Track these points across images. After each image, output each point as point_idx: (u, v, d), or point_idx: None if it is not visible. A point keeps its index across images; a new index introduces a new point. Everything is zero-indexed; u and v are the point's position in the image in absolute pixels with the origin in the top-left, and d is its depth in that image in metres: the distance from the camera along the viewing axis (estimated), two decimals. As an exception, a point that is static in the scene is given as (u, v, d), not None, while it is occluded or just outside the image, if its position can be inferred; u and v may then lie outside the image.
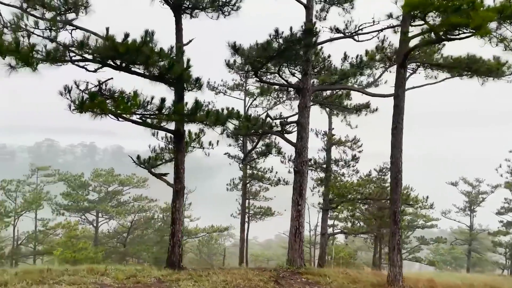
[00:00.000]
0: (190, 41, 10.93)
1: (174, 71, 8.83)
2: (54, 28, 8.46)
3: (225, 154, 24.35)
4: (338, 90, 16.34)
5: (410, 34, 10.31)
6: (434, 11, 7.87)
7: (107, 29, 8.02)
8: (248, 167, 25.89)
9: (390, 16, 10.62)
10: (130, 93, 9.23)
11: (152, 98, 8.93)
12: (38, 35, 8.75)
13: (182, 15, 10.76)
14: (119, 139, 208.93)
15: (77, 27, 9.56)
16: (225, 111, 9.73)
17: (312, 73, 14.45)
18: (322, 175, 26.41)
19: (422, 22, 10.27)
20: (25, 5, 8.83)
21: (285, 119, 14.90)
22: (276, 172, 25.90)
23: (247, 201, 26.58)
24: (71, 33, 9.50)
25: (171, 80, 10.00)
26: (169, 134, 12.45)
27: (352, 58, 15.34)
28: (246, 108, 25.71)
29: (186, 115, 9.04)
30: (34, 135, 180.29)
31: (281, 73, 13.19)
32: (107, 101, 8.24)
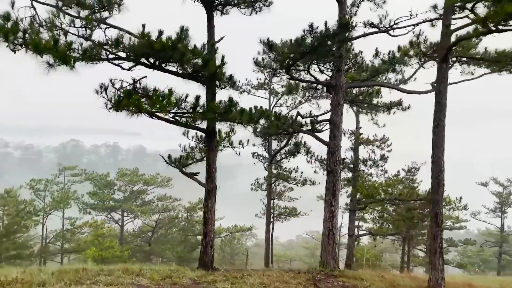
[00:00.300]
0: (222, 38, 10.72)
1: (209, 68, 8.62)
2: (89, 26, 8.40)
3: (254, 153, 24.09)
4: (368, 88, 15.87)
5: (452, 27, 9.83)
6: (483, 1, 7.41)
7: (143, 25, 7.89)
8: (273, 166, 25.59)
9: (434, 7, 10.12)
10: (163, 91, 9.13)
11: (186, 96, 8.77)
12: (73, 34, 8.73)
13: (214, 12, 10.57)
14: (141, 140, 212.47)
15: (111, 26, 9.49)
16: (256, 110, 9.46)
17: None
18: (349, 175, 25.91)
19: (465, 14, 9.79)
20: (60, 4, 8.80)
21: (315, 118, 14.56)
22: (302, 172, 25.52)
23: (271, 201, 26.27)
24: (104, 32, 9.48)
25: (203, 78, 9.84)
26: (199, 133, 12.31)
27: (383, 54, 14.88)
28: (271, 107, 25.41)
29: (220, 113, 8.83)
30: (60, 136, 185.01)
31: (310, 70, 12.87)
32: (142, 100, 8.11)
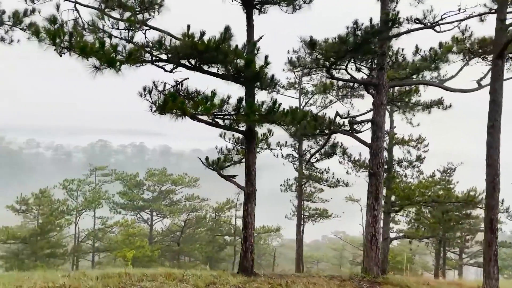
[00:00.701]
0: (261, 37, 10.43)
1: (251, 69, 8.36)
2: (132, 28, 8.28)
3: (289, 155, 23.67)
4: (407, 86, 15.25)
5: (507, 22, 9.22)
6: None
7: (188, 26, 7.69)
8: (304, 167, 25.16)
9: (494, -1, 9.52)
10: (203, 92, 8.93)
11: (229, 97, 8.54)
12: (115, 36, 8.65)
13: (253, 11, 10.30)
14: (167, 140, 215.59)
15: (151, 27, 9.38)
16: (300, 111, 9.13)
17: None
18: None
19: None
20: (102, 6, 8.73)
21: (353, 118, 14.09)
22: (333, 173, 24.98)
23: (302, 202, 25.85)
24: (144, 33, 9.36)
25: (244, 78, 9.60)
26: (237, 135, 12.10)
27: (424, 51, 14.27)
28: (302, 107, 24.99)
29: (263, 114, 8.55)
30: (89, 136, 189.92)
31: (348, 69, 12.42)
32: (186, 102, 7.92)
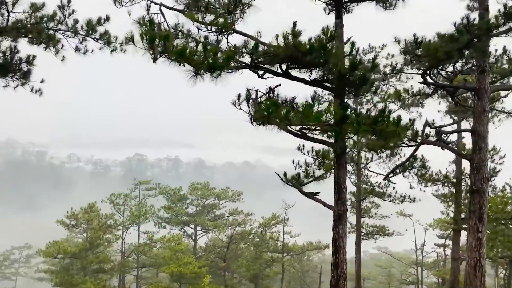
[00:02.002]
0: (349, 39, 9.42)
1: (356, 73, 7.31)
2: (223, 31, 7.48)
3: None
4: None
5: None
6: None
7: (294, 23, 6.76)
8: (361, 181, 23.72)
9: None
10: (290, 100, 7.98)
11: (330, 105, 7.51)
12: (198, 41, 7.88)
13: (343, 10, 9.32)
14: (199, 152, 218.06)
15: (234, 31, 8.58)
16: (411, 120, 7.97)
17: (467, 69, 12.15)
18: (445, 190, 23.40)
19: None
20: (188, 8, 8.01)
21: (439, 128, 12.69)
22: (394, 187, 23.37)
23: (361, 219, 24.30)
24: (227, 37, 8.57)
25: (333, 84, 8.60)
26: (318, 148, 11.05)
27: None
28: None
29: (369, 124, 7.44)
30: (126, 150, 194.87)
31: (442, 72, 11.16)
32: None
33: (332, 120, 7.68)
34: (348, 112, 7.36)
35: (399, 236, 26.32)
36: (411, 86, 14.83)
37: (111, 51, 10.53)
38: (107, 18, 9.85)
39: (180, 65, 6.56)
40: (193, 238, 39.62)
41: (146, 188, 40.18)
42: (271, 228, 36.26)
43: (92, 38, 10.17)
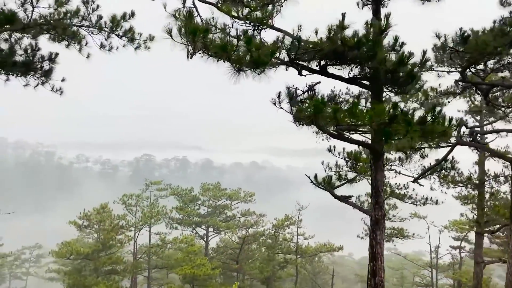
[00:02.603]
0: (386, 34, 8.94)
1: (405, 68, 6.83)
2: (259, 26, 7.03)
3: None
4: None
5: None
6: None
7: (343, 15, 6.30)
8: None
9: None
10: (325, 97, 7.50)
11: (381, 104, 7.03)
12: (232, 37, 7.45)
13: (381, 4, 8.83)
14: (207, 153, 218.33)
15: (271, 26, 8.12)
16: (460, 120, 7.46)
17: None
18: (463, 191, 22.78)
19: None
20: (221, 2, 7.58)
21: (472, 128, 12.14)
22: (413, 188, 22.74)
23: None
24: (259, 33, 8.12)
25: (371, 81, 8.13)
26: (350, 149, 10.58)
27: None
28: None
29: (418, 124, 6.94)
30: (134, 151, 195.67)
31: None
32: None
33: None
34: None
35: (419, 238, 25.66)
36: (439, 84, 14.29)
37: (135, 48, 10.14)
38: (132, 14, 9.46)
39: (218, 61, 6.13)
40: (205, 239, 39.24)
41: (157, 188, 39.89)
42: (284, 230, 35.79)
43: (116, 35, 9.78)
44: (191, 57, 6.15)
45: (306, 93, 7.30)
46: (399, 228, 25.08)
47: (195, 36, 5.45)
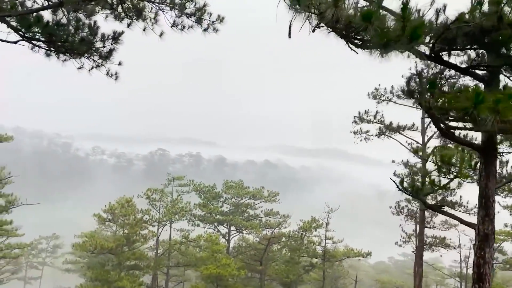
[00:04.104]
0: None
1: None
2: None
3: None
4: None
5: None
6: None
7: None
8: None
9: None
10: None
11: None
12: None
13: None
14: (220, 149, 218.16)
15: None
16: None
17: None
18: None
19: None
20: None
21: None
22: (461, 196, 21.34)
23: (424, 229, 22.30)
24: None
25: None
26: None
27: None
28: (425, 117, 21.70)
29: None
30: (149, 145, 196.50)
31: None
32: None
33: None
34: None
35: (458, 248, 24.26)
36: None
37: (204, 30, 9.03)
38: (207, -13, 8.36)
39: (349, 38, 4.97)
40: (226, 237, 38.24)
41: (179, 184, 38.98)
42: (311, 232, 34.50)
43: (185, 14, 8.69)
44: (313, 31, 5.01)
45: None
46: (441, 237, 23.68)
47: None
